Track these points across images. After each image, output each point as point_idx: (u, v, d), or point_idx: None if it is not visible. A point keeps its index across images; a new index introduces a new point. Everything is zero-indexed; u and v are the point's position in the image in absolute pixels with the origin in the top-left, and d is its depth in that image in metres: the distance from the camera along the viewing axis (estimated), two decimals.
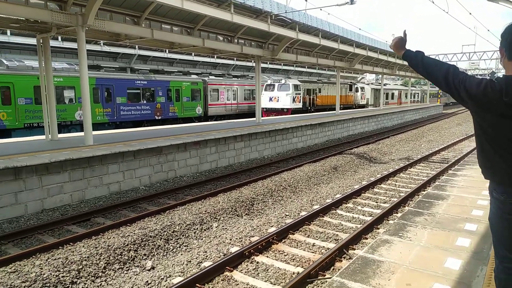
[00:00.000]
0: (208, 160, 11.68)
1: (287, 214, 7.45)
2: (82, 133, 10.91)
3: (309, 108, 27.95)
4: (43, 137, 11.23)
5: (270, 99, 26.33)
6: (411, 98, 46.01)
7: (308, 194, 9.16)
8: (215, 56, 29.33)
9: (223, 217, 7.29)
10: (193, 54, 29.03)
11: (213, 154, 11.85)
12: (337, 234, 6.28)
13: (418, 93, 51.12)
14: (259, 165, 12.17)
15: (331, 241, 6.01)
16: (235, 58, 28.36)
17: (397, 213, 7.38)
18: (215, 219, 7.14)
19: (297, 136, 16.13)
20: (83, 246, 5.63)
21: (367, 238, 6.06)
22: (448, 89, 2.10)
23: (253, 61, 20.36)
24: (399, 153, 15.22)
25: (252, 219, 7.34)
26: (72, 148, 9.02)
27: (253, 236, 6.23)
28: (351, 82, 35.55)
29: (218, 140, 11.94)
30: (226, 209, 7.58)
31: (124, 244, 5.69)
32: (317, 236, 6.25)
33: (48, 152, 8.41)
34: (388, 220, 6.93)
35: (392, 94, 42.77)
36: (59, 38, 21.62)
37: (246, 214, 7.63)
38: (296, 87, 26.48)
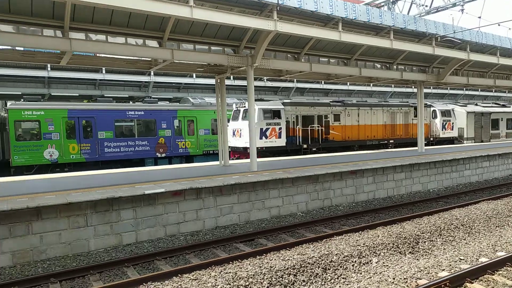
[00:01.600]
0: (364, 191, 11.28)
1: (461, 258, 6.45)
2: (247, 160, 12.14)
3: (305, 146, 17.47)
4: (217, 162, 12.98)
5: (233, 133, 17.15)
6: None
7: (488, 237, 7.76)
8: (371, 84, 28.62)
9: (384, 252, 6.82)
10: (348, 83, 29.09)
11: (370, 184, 11.39)
12: None
13: None
14: (423, 199, 11.05)
15: None
16: (392, 85, 27.01)
17: None
18: (374, 254, 6.75)
19: (470, 169, 14.04)
20: (249, 264, 6.13)
21: None
22: None
23: (413, 86, 19.06)
24: None
25: (418, 259, 6.63)
26: (240, 173, 10.10)
27: (420, 279, 5.61)
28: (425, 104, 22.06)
29: (375, 170, 11.44)
30: (387, 244, 7.09)
31: (284, 267, 5.94)
32: None
33: (222, 176, 9.65)
34: None
35: None
36: (231, 77, 24.98)
37: (410, 252, 6.96)
38: (270, 113, 16.46)
